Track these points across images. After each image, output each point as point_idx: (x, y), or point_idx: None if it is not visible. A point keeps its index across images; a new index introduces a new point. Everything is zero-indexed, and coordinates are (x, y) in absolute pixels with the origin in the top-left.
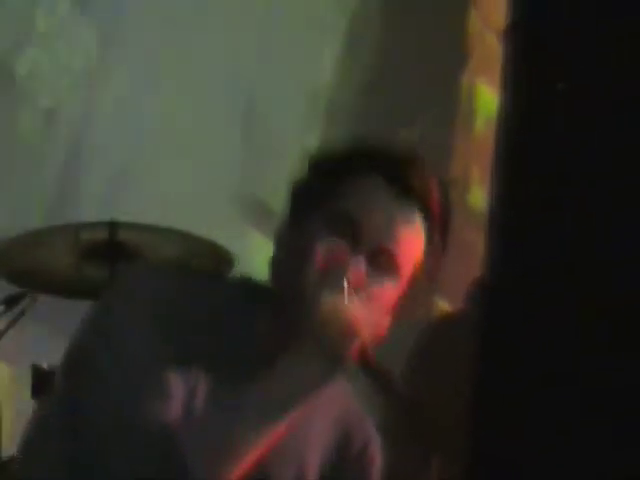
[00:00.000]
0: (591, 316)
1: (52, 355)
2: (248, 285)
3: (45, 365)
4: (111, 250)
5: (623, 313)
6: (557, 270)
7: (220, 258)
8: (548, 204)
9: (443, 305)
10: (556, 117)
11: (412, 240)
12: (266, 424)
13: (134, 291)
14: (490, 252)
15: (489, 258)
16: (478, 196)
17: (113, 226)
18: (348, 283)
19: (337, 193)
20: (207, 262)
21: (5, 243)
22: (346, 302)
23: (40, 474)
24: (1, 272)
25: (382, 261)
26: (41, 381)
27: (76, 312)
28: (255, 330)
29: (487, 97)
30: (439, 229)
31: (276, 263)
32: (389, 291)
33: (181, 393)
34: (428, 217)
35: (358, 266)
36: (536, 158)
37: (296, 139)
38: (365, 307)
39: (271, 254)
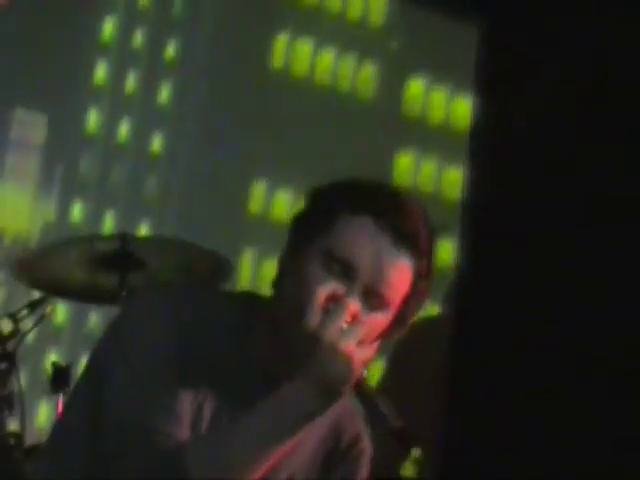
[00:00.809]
0: (561, 315)
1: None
2: (249, 303)
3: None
4: (122, 259)
5: (591, 311)
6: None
7: (218, 265)
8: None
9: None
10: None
11: (401, 280)
12: (266, 449)
13: (150, 313)
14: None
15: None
16: None
17: (124, 237)
18: (346, 323)
19: (332, 230)
20: (206, 268)
21: (28, 253)
22: (346, 341)
23: (62, 475)
24: (25, 279)
25: (374, 299)
26: (59, 376)
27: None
28: (254, 350)
29: None
30: (426, 267)
31: (279, 288)
32: (379, 322)
33: (189, 413)
34: (416, 257)
35: (354, 306)
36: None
37: None
38: (360, 343)
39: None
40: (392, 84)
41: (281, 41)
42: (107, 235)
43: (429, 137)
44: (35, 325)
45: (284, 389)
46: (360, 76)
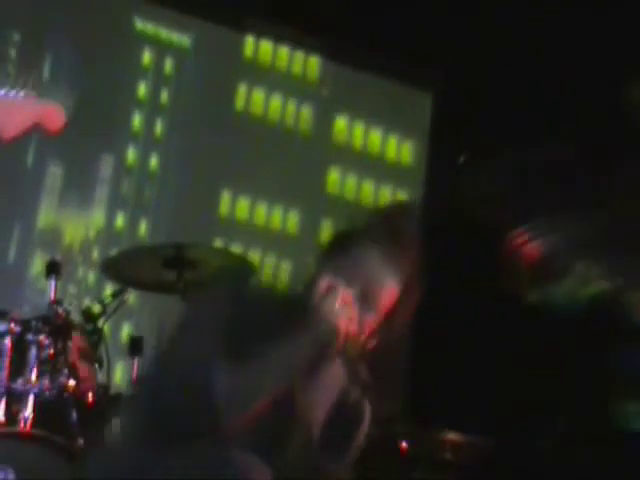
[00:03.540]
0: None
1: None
2: (274, 295)
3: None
4: (178, 261)
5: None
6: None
7: (245, 265)
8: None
9: None
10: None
11: (390, 295)
12: (273, 382)
13: (211, 302)
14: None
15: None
16: None
17: (179, 245)
18: (341, 301)
19: (347, 255)
20: (236, 268)
21: (114, 256)
22: (339, 313)
23: (132, 420)
24: (110, 275)
25: (367, 303)
26: (134, 345)
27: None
28: (281, 328)
29: None
30: (411, 288)
31: (309, 288)
32: (369, 320)
33: (226, 363)
34: (405, 282)
35: (347, 296)
36: None
37: None
38: (351, 322)
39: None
40: (324, 121)
41: (242, 91)
42: (167, 244)
43: (351, 159)
44: (117, 308)
45: (291, 338)
46: (300, 115)
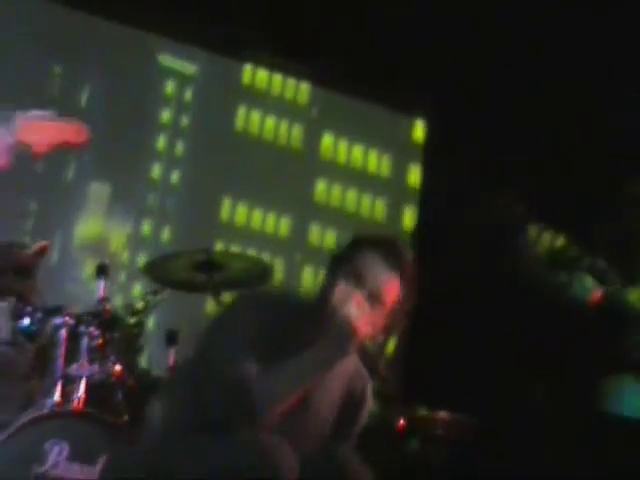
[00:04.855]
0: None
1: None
2: (295, 299)
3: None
4: (208, 264)
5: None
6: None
7: (264, 268)
8: None
9: None
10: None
11: (394, 290)
12: (303, 382)
13: (243, 307)
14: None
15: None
16: None
17: (209, 251)
18: (356, 306)
19: (354, 262)
20: (257, 272)
21: (153, 259)
22: (355, 315)
23: (171, 408)
24: (149, 275)
25: (375, 300)
26: (170, 337)
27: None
28: (302, 329)
29: None
30: (409, 285)
31: (323, 293)
32: (379, 315)
33: (258, 362)
34: (404, 278)
35: (359, 298)
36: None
37: None
38: (365, 321)
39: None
40: (312, 138)
41: (241, 113)
42: (198, 249)
43: (336, 172)
44: (155, 304)
45: (315, 345)
46: (292, 134)
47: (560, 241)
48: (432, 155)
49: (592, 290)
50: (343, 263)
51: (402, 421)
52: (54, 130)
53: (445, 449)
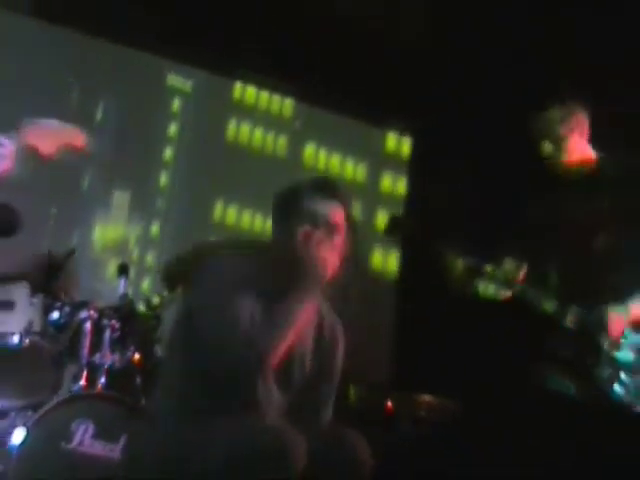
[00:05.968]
0: None
1: None
2: (262, 251)
3: None
4: None
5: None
6: None
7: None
8: None
9: None
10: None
11: (342, 222)
12: (287, 327)
13: (221, 268)
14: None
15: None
16: None
17: None
18: (318, 244)
19: (301, 204)
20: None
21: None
22: (320, 254)
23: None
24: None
25: (331, 229)
26: None
27: None
28: (269, 279)
29: None
30: (351, 220)
31: (275, 239)
32: (337, 247)
33: (248, 317)
34: (347, 213)
35: (319, 236)
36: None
37: None
38: (330, 257)
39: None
40: (296, 148)
41: (232, 125)
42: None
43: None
44: (171, 299)
45: (292, 290)
46: (278, 144)
47: (462, 263)
48: (415, 168)
49: (499, 294)
50: (291, 208)
51: (390, 404)
52: (57, 134)
53: (429, 430)
